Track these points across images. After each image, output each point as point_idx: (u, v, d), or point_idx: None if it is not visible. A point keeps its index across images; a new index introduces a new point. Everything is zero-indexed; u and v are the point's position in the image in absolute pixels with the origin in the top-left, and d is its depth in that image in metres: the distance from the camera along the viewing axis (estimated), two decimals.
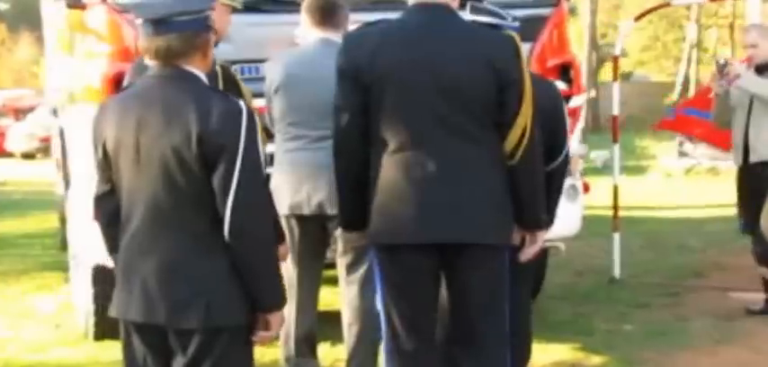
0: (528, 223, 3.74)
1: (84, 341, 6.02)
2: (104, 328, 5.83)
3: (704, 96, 7.80)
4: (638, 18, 8.85)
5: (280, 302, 3.09)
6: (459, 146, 3.52)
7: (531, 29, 5.31)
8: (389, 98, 3.51)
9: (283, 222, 4.44)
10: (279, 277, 3.09)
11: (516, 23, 3.86)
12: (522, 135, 3.56)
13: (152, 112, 2.96)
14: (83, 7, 5.45)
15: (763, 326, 6.09)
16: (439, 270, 3.63)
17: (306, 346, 4.77)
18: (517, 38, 3.63)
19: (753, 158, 6.24)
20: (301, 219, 4.58)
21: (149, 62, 3.03)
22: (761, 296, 6.52)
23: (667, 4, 8.57)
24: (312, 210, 4.52)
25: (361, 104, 3.55)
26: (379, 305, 3.74)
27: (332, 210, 4.35)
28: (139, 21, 3.00)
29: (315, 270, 4.77)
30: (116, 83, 5.14)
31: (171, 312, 2.97)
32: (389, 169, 3.55)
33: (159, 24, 2.95)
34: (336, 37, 4.43)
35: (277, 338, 3.24)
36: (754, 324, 6.14)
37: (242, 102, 3.00)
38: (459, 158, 3.53)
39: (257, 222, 2.99)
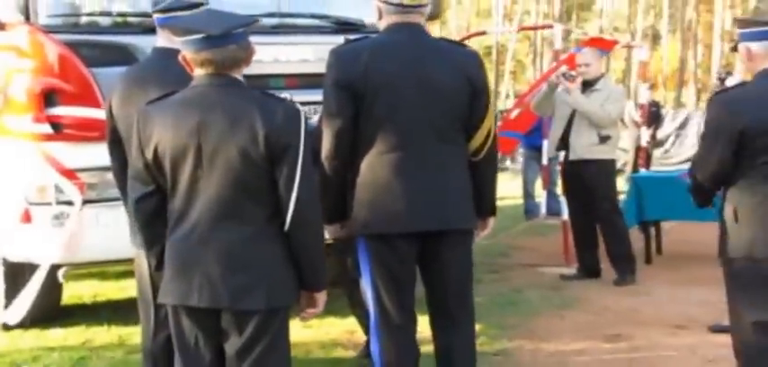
0: (487, 210, 4.41)
1: None
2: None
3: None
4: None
5: (325, 283, 3.52)
6: (439, 146, 4.08)
7: None
8: (381, 105, 4.00)
9: None
10: (325, 260, 3.50)
11: None
12: (488, 136, 4.21)
13: (214, 116, 3.24)
14: (2, 27, 5.67)
15: (587, 292, 7.17)
16: (419, 254, 4.18)
17: None
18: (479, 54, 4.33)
19: (572, 157, 7.48)
20: None
21: (200, 72, 3.30)
22: (572, 269, 7.79)
23: (483, 33, 9.61)
24: None
25: (354, 113, 4.01)
26: (367, 288, 4.21)
27: None
28: (196, 36, 3.24)
29: None
30: (44, 95, 5.44)
31: (235, 296, 3.27)
32: (379, 167, 4.04)
33: (222, 38, 3.26)
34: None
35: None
36: (579, 292, 7.20)
37: (297, 103, 3.38)
38: (440, 156, 4.09)
39: (315, 212, 3.38)
